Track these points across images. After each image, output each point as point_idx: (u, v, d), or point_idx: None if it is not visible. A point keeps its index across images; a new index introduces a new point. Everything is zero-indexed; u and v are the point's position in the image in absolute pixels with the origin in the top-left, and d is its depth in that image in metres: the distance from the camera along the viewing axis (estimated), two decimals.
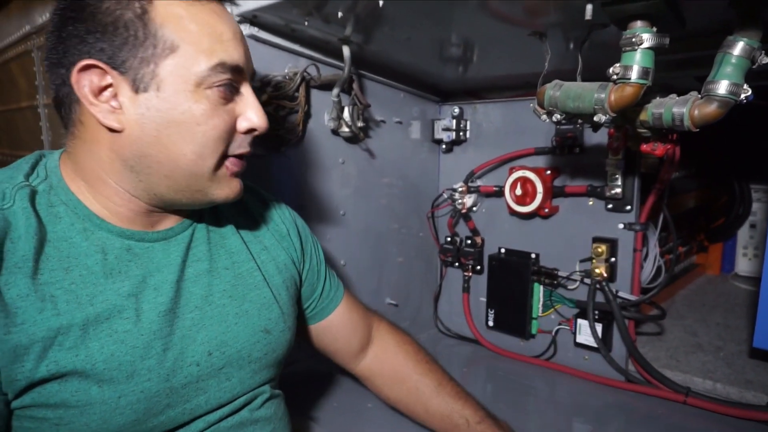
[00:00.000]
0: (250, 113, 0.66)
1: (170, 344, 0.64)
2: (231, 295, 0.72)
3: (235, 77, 0.64)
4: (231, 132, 0.65)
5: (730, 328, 1.45)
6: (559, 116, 0.86)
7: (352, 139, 1.24)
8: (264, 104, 1.05)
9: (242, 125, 0.66)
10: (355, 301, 1.00)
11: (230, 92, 0.63)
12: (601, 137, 1.20)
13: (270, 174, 1.09)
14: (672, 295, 1.73)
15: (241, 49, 0.64)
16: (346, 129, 1.19)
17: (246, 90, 0.67)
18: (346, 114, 1.17)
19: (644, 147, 0.89)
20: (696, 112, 0.75)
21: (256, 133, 0.67)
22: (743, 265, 1.93)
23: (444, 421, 0.93)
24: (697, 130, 0.77)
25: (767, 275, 1.07)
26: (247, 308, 0.73)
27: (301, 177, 1.16)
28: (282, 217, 0.86)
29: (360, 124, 1.20)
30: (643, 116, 0.82)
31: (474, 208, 1.44)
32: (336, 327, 0.94)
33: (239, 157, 0.67)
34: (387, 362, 0.98)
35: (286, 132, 1.10)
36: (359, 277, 1.33)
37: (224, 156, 0.65)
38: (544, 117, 0.89)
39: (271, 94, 1.05)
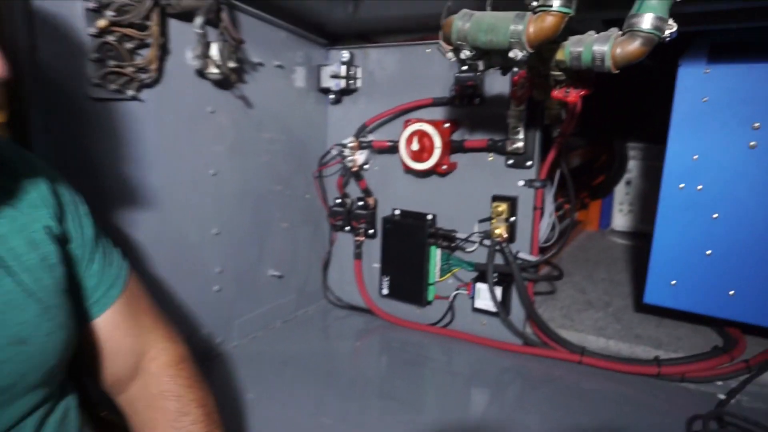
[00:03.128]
0: None
1: None
2: None
3: None
4: None
5: (614, 282, 1.48)
6: (468, 52, 0.73)
7: (223, 83, 1.04)
8: (103, 32, 0.82)
9: None
10: (136, 312, 0.70)
11: None
12: (502, 86, 1.11)
13: (118, 123, 0.87)
14: (559, 253, 1.75)
15: None
16: (214, 70, 0.98)
17: None
18: (214, 51, 0.97)
19: (556, 93, 0.80)
20: (618, 50, 0.67)
21: None
22: (619, 220, 2.01)
23: None
24: (618, 71, 0.69)
25: (658, 237, 1.06)
26: None
27: (158, 128, 0.94)
28: (34, 180, 0.60)
29: (232, 64, 1.00)
30: (560, 55, 0.72)
31: (366, 166, 1.30)
32: (101, 337, 0.67)
33: None
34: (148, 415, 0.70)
35: (136, 70, 0.87)
36: (236, 246, 1.15)
37: None
38: (450, 55, 0.77)
39: (111, 19, 0.82)
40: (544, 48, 0.73)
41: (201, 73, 0.99)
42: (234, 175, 1.12)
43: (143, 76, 0.88)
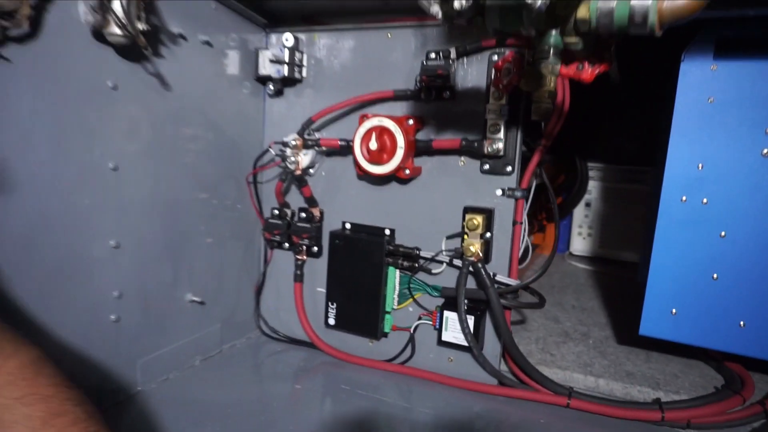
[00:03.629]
0: None
1: None
2: None
3: None
4: None
5: (587, 310, 1.33)
6: (464, 2, 0.55)
7: (130, 51, 0.80)
8: None
9: None
10: None
11: None
12: (478, 77, 0.94)
13: None
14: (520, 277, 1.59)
15: None
16: (116, 31, 0.74)
17: None
18: (116, 4, 0.73)
19: (566, 70, 0.63)
20: (666, 3, 0.50)
21: None
22: (578, 244, 1.89)
23: None
24: (661, 33, 0.52)
25: (656, 258, 0.91)
26: None
27: (33, 100, 0.69)
28: None
29: (142, 26, 0.77)
30: (583, 13, 0.55)
31: (311, 170, 1.09)
32: None
33: None
34: None
35: None
36: (143, 264, 0.90)
37: None
38: (436, 9, 0.58)
39: None
40: (560, 4, 0.55)
41: (98, 34, 0.75)
42: (143, 175, 0.88)
43: (5, 23, 0.63)
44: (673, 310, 0.90)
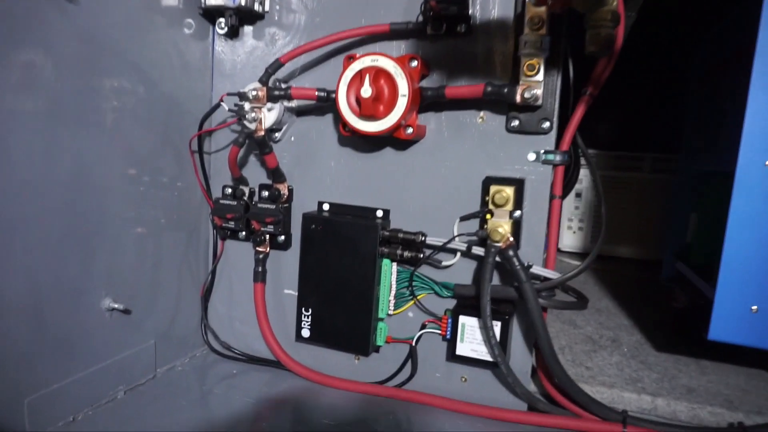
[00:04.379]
0: None
1: None
2: None
3: None
4: None
5: (602, 312, 1.13)
6: None
7: None
8: None
9: None
10: None
11: None
12: (502, 5, 0.71)
13: None
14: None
15: None
16: None
17: None
18: None
19: None
20: None
21: None
22: (568, 239, 1.70)
23: None
24: None
25: (731, 242, 0.71)
26: None
27: None
28: None
29: None
30: None
31: (277, 134, 0.83)
32: None
33: None
34: None
35: None
36: (36, 261, 0.61)
37: None
38: None
39: None
40: None
41: None
42: (41, 141, 0.60)
43: None
44: (754, 308, 0.70)
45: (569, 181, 1.59)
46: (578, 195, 1.68)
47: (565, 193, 1.52)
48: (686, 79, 1.18)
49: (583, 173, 1.67)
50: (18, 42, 0.58)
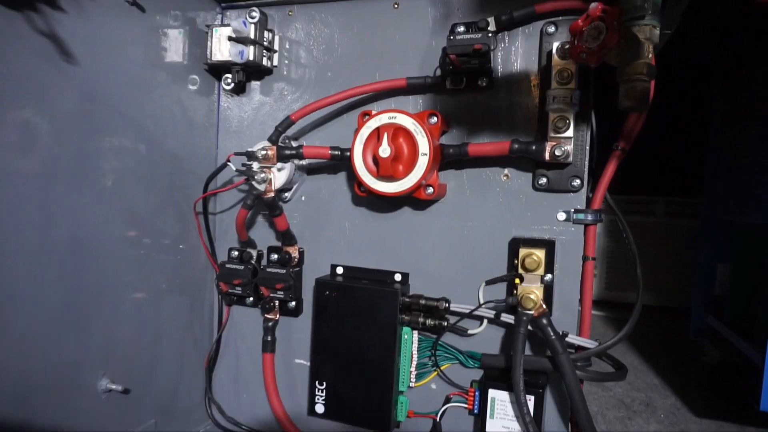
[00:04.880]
0: None
1: None
2: None
3: None
4: None
5: (630, 369, 1.06)
6: None
7: None
8: None
9: None
10: None
11: None
12: (526, 58, 0.68)
13: None
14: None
15: None
16: None
17: None
18: None
19: None
20: None
21: None
22: None
23: None
24: None
25: None
26: None
27: None
28: None
29: None
30: None
31: (287, 194, 0.78)
32: None
33: None
34: None
35: None
36: (25, 337, 0.56)
37: None
38: None
39: None
40: None
41: None
42: (36, 204, 0.55)
43: None
44: None
45: None
46: None
47: None
48: (706, 121, 1.15)
49: None
50: (15, 102, 0.53)
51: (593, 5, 0.54)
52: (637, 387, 0.97)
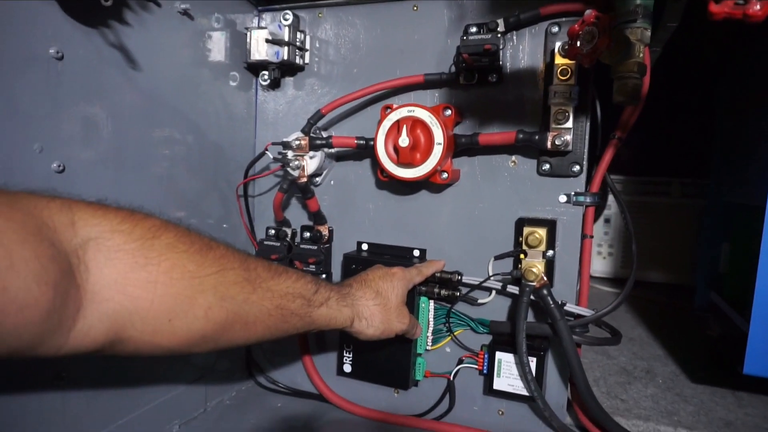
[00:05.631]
0: None
1: None
2: None
3: None
4: None
5: (635, 341, 1.14)
6: None
7: (81, 8, 0.59)
8: None
9: None
10: None
11: None
12: (532, 56, 0.75)
13: None
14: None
15: None
16: None
17: None
18: None
19: (718, 7, 0.44)
20: None
21: None
22: (598, 264, 1.71)
23: (273, 317, 0.57)
24: None
25: (760, 295, 0.73)
26: None
27: None
28: None
29: None
30: None
31: (317, 179, 0.88)
32: None
33: None
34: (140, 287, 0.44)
35: None
36: None
37: None
38: None
39: None
40: None
41: None
42: (99, 187, 0.66)
43: None
44: None
45: (596, 210, 1.60)
46: (607, 221, 1.69)
47: (594, 220, 1.53)
48: (713, 106, 1.20)
49: (610, 199, 1.68)
50: (75, 79, 0.63)
51: (588, 12, 0.61)
52: (640, 356, 1.04)
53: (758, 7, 0.42)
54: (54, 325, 0.38)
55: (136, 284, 0.43)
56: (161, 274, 0.45)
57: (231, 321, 0.52)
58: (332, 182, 0.88)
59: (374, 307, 0.69)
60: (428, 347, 0.82)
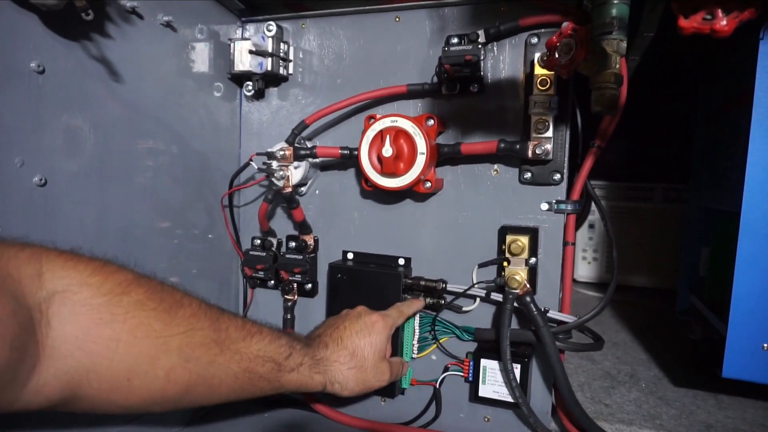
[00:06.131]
0: None
1: None
2: None
3: None
4: None
5: (619, 345, 1.15)
6: None
7: (63, 20, 0.59)
8: None
9: None
10: None
11: None
12: (512, 65, 0.76)
13: None
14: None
15: None
16: None
17: None
18: None
19: (687, 22, 0.46)
20: None
21: None
22: (583, 269, 1.73)
23: (240, 380, 0.56)
24: None
25: (740, 283, 0.74)
26: None
27: None
28: None
29: None
30: None
31: (303, 189, 0.88)
32: None
33: None
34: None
35: None
36: None
37: None
38: None
39: None
40: None
41: None
42: (83, 198, 0.65)
43: None
44: (766, 345, 0.73)
45: (580, 216, 1.62)
46: (591, 226, 1.71)
47: (577, 226, 1.56)
48: (693, 112, 1.22)
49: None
50: (56, 93, 0.63)
51: (565, 24, 0.63)
52: (624, 361, 1.06)
53: (724, 22, 0.43)
54: (7, 380, 0.37)
55: (97, 341, 0.43)
56: (125, 332, 0.44)
57: (194, 383, 0.51)
58: (317, 192, 0.89)
59: (348, 372, 0.69)
60: (414, 355, 0.83)
